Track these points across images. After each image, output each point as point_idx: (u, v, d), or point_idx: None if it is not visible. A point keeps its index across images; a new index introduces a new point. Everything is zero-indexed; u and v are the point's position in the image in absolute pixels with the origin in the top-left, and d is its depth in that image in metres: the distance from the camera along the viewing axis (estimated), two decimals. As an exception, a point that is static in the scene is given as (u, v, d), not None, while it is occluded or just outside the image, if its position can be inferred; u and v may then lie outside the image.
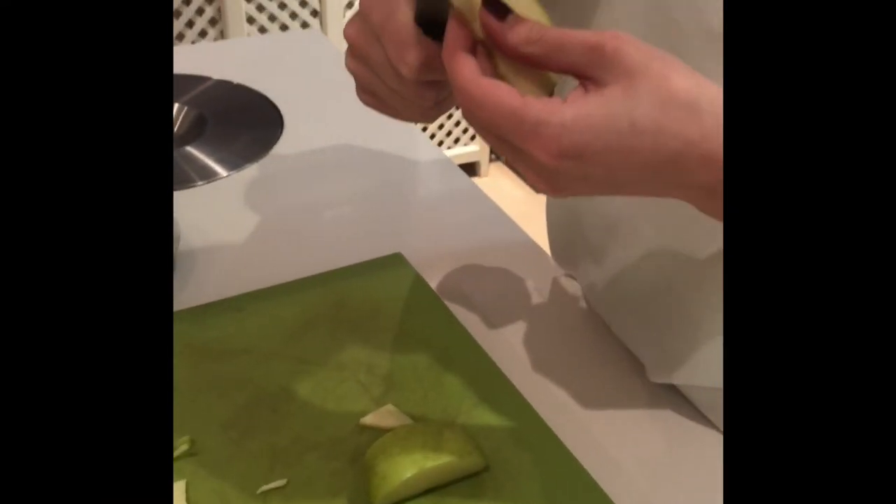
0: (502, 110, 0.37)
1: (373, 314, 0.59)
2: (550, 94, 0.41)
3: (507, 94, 0.38)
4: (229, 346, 0.55)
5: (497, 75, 0.40)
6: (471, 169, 2.41)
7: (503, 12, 0.39)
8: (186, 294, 0.62)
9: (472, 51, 0.40)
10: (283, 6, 1.94)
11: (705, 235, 0.50)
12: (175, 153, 0.82)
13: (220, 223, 0.72)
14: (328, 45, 1.07)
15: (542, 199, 0.62)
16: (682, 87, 0.36)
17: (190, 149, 0.83)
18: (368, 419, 0.50)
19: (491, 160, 2.43)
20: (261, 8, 1.91)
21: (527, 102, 0.37)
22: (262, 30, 1.95)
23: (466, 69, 0.39)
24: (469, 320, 0.61)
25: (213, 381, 0.53)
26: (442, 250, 0.69)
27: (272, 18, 1.94)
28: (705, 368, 0.54)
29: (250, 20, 1.91)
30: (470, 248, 0.69)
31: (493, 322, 0.62)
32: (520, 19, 0.39)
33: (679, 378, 0.55)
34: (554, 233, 0.69)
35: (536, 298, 0.65)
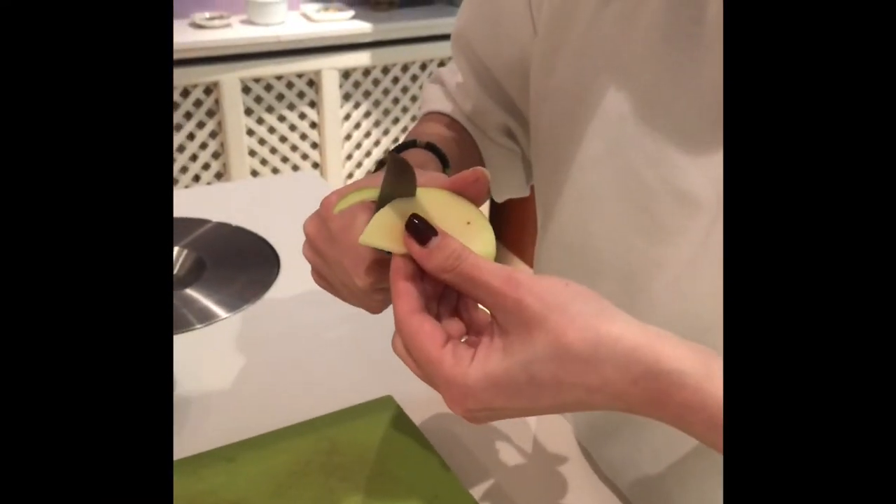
0: (422, 355, 0.41)
1: (363, 461, 0.60)
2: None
3: (428, 340, 0.41)
4: (221, 497, 0.56)
5: None
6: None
7: (426, 235, 0.42)
8: (179, 443, 0.63)
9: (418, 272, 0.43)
10: (285, 160, 2.02)
11: None
12: (175, 296, 0.85)
13: (215, 368, 0.73)
14: (325, 186, 1.12)
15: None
16: (578, 339, 0.38)
17: (189, 291, 0.86)
18: None
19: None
20: (264, 162, 2.00)
21: (441, 358, 0.40)
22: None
23: (404, 301, 0.42)
24: (458, 463, 0.61)
25: (204, 535, 0.53)
26: (431, 391, 0.70)
27: (275, 171, 2.02)
28: (691, 498, 0.54)
29: (254, 173, 1.99)
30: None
31: (481, 463, 0.62)
32: (442, 244, 0.42)
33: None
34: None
35: (524, 437, 0.66)
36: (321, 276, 0.53)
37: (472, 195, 0.46)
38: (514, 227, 2.38)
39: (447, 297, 0.46)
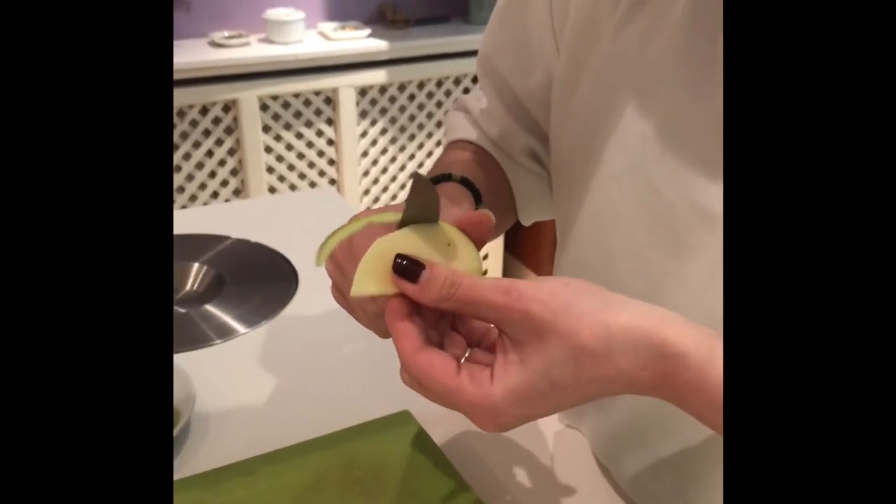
0: (439, 388, 0.42)
1: (380, 475, 0.60)
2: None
3: (441, 373, 0.42)
4: (240, 511, 0.56)
5: None
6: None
7: (415, 272, 0.42)
8: (200, 457, 0.64)
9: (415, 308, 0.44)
10: (302, 176, 2.04)
11: None
12: (194, 312, 0.86)
13: (234, 382, 0.74)
14: (342, 202, 1.13)
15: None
16: (590, 337, 0.39)
17: (208, 307, 0.87)
18: None
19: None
20: (282, 179, 2.01)
21: (461, 386, 0.41)
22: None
23: (406, 342, 0.43)
24: (476, 478, 0.62)
25: (223, 549, 0.53)
26: (449, 406, 0.70)
27: (293, 188, 2.04)
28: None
29: (272, 190, 2.00)
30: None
31: (499, 478, 0.62)
32: (433, 275, 0.42)
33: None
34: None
35: (541, 451, 0.66)
36: (340, 293, 0.53)
37: (476, 235, 0.46)
38: (529, 242, 2.38)
39: (444, 314, 0.47)
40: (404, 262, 0.43)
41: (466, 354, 0.45)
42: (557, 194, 0.65)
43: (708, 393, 0.38)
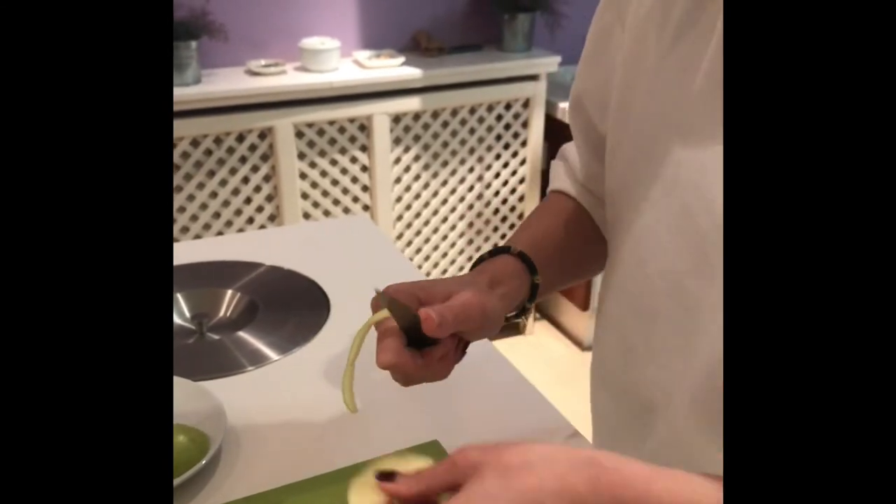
0: None
1: (409, 506, 0.60)
2: None
3: None
4: (269, 540, 0.57)
5: None
6: (515, 326, 2.43)
7: (392, 477, 0.48)
8: (230, 484, 0.64)
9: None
10: (336, 202, 2.06)
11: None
12: (227, 339, 0.87)
13: (266, 409, 0.74)
14: (375, 230, 1.14)
15: (584, 359, 0.64)
16: (512, 455, 0.43)
17: (241, 334, 0.88)
18: None
19: (535, 318, 2.46)
20: (316, 205, 2.03)
21: None
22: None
23: None
24: (505, 511, 0.61)
25: (252, 578, 0.53)
26: (477, 437, 0.70)
27: (327, 213, 2.06)
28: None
29: (306, 215, 2.02)
30: (508, 435, 0.71)
31: (529, 512, 0.62)
32: (404, 476, 0.48)
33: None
34: (598, 421, 0.70)
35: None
36: None
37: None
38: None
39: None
40: (385, 476, 0.49)
41: None
42: (609, 222, 0.66)
43: (634, 490, 0.40)
